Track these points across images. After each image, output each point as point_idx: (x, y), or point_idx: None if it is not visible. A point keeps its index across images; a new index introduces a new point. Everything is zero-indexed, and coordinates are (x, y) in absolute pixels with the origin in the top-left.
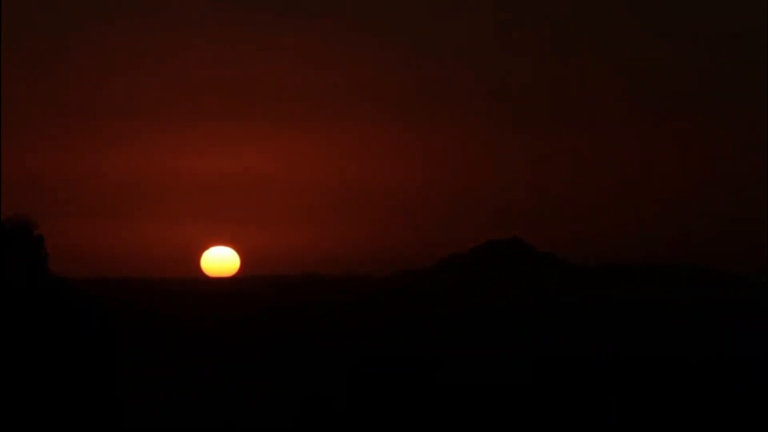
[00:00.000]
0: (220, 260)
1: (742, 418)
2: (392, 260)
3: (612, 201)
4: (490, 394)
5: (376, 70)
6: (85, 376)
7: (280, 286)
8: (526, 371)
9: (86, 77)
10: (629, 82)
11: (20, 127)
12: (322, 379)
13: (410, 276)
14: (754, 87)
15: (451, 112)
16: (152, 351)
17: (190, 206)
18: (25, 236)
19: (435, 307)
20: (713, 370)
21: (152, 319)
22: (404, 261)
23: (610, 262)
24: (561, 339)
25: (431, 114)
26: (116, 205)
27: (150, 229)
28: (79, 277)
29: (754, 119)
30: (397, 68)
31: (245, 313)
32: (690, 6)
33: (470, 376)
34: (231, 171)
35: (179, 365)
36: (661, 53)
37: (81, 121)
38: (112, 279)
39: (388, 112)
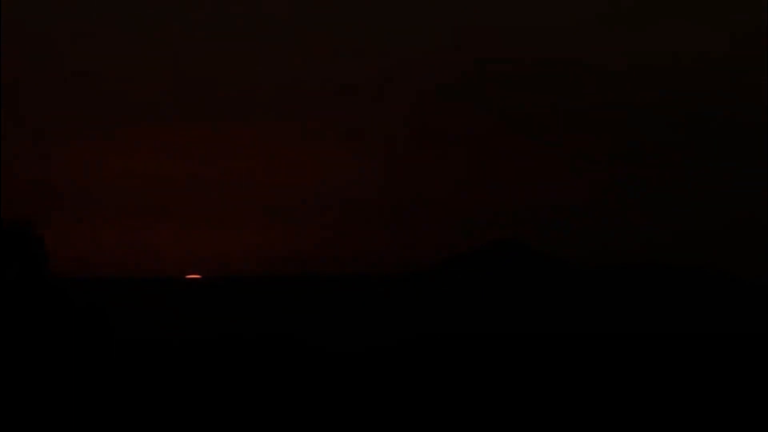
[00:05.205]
0: None
1: (741, 420)
2: (392, 260)
3: (612, 201)
4: (488, 393)
5: (377, 69)
6: (85, 375)
7: (279, 286)
8: (526, 370)
9: (86, 81)
10: (631, 86)
11: (20, 130)
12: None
13: (410, 276)
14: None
15: (451, 113)
16: (151, 351)
17: (187, 207)
18: (24, 237)
19: (435, 306)
20: (712, 370)
21: (150, 319)
22: (404, 261)
23: (610, 262)
24: (561, 338)
25: (431, 115)
26: (115, 205)
27: (148, 230)
28: (79, 277)
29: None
30: (398, 69)
31: (244, 313)
32: None
33: (469, 375)
34: (230, 173)
35: (178, 365)
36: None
37: (81, 123)
38: (111, 279)
39: (388, 112)
